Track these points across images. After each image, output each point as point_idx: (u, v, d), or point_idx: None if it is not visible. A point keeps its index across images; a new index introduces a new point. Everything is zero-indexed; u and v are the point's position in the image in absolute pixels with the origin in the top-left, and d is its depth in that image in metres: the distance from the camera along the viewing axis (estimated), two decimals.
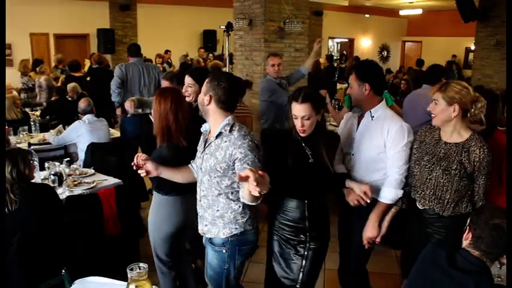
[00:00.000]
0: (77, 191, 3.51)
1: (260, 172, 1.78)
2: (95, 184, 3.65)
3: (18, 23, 10.67)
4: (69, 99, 6.73)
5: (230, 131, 2.27)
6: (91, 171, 4.02)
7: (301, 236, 2.50)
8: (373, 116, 2.67)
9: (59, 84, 8.17)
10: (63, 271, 2.17)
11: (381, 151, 2.62)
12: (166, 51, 11.53)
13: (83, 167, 4.25)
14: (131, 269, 1.98)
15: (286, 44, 5.69)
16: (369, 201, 2.48)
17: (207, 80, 2.34)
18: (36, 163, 3.74)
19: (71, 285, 2.18)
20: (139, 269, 1.99)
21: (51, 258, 2.68)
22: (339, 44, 17.95)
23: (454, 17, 10.79)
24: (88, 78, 8.26)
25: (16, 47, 10.92)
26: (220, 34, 9.72)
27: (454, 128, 2.42)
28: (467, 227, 1.86)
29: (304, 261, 2.51)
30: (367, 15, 16.50)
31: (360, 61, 3.12)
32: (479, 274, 1.74)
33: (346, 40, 17.09)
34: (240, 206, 2.34)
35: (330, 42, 16.93)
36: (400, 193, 2.62)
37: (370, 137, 2.67)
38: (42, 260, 2.67)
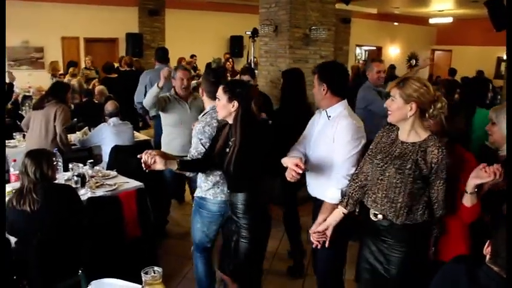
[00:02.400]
0: (99, 192, 3.55)
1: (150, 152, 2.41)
2: (116, 186, 3.69)
3: (50, 28, 10.99)
4: (96, 101, 6.85)
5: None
6: (113, 173, 4.07)
7: (233, 226, 2.70)
8: (329, 116, 2.66)
9: (90, 86, 8.38)
10: (80, 271, 2.19)
11: (332, 150, 2.60)
12: (192, 56, 11.64)
13: (106, 169, 4.31)
14: (146, 273, 1.99)
15: (311, 51, 5.65)
16: (300, 171, 2.37)
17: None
18: (60, 164, 3.82)
19: (87, 286, 2.19)
20: (154, 273, 1.99)
21: (70, 258, 2.72)
22: (366, 52, 17.78)
23: (485, 25, 10.51)
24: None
25: (48, 50, 11.21)
26: (246, 40, 9.74)
27: (411, 127, 2.27)
28: (488, 240, 1.77)
29: (234, 252, 2.68)
30: (395, 23, 16.28)
31: (322, 62, 3.05)
32: (500, 284, 1.66)
33: (374, 48, 16.90)
34: (204, 175, 2.88)
35: (358, 50, 16.78)
36: (338, 192, 2.54)
37: (324, 137, 2.65)
38: (60, 259, 2.70)
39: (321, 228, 2.55)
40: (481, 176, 2.10)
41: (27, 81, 9.81)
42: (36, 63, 11.09)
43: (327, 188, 2.60)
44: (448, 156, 2.20)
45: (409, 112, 2.23)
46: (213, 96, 2.78)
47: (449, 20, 14.23)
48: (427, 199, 2.27)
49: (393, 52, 17.10)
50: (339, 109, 2.66)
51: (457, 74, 11.29)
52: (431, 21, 14.82)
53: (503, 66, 13.97)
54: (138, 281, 2.00)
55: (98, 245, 3.01)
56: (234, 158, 2.54)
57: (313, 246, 2.64)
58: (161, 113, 4.30)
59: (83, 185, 3.64)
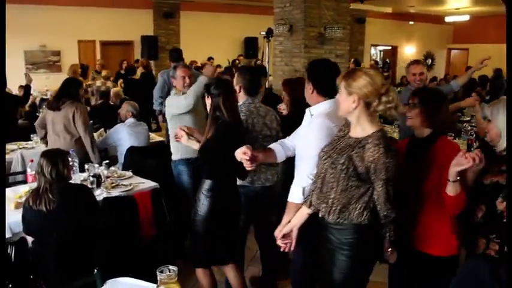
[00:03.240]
0: (114, 193, 3.56)
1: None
2: (132, 187, 3.69)
3: (67, 31, 11.14)
4: (112, 103, 6.89)
5: None
6: (129, 173, 4.08)
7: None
8: (312, 114, 2.60)
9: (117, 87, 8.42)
10: (96, 270, 2.18)
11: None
12: (209, 59, 11.62)
13: (122, 170, 4.32)
14: (161, 271, 1.98)
15: (326, 50, 5.62)
16: (247, 157, 2.40)
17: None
18: (76, 164, 3.84)
19: (102, 285, 2.19)
20: (169, 272, 1.98)
21: (86, 258, 2.72)
22: (381, 52, 17.63)
23: (502, 22, 10.36)
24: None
25: (65, 54, 11.37)
26: (261, 41, 9.74)
27: (356, 120, 2.14)
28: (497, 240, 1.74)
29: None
30: (411, 22, 16.13)
31: (313, 60, 2.91)
32: None
33: (389, 48, 16.76)
34: None
35: (373, 50, 16.67)
36: (299, 191, 2.43)
37: (303, 135, 2.59)
38: (77, 259, 2.71)
39: (286, 230, 2.43)
40: (461, 162, 2.07)
41: (44, 84, 9.96)
42: (53, 67, 11.25)
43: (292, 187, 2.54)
44: (388, 156, 2.01)
45: (351, 105, 2.10)
46: (248, 93, 3.23)
47: (466, 18, 14.03)
48: (367, 199, 2.12)
49: (409, 51, 16.94)
50: (322, 108, 2.58)
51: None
52: (448, 19, 14.64)
53: None
54: (154, 280, 1.99)
55: (113, 245, 3.01)
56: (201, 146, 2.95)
57: (281, 250, 2.52)
58: (175, 119, 4.04)
59: (98, 186, 3.65)
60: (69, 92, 4.54)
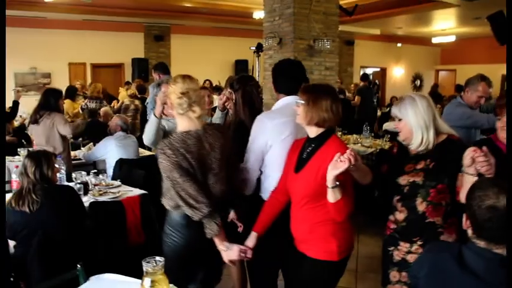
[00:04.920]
0: (102, 199, 3.47)
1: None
2: (120, 194, 3.62)
3: (58, 54, 11.16)
4: (101, 120, 6.85)
5: None
6: (117, 183, 4.00)
7: None
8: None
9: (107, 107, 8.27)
10: (79, 266, 2.09)
11: None
12: (205, 81, 11.49)
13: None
14: (147, 262, 1.90)
15: (316, 62, 5.65)
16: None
17: None
18: (63, 171, 3.76)
19: (85, 281, 2.10)
20: (155, 263, 1.90)
21: (71, 260, 2.62)
22: (371, 75, 17.84)
23: (488, 43, 10.56)
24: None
25: (55, 76, 11.36)
26: (251, 57, 9.68)
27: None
28: (465, 214, 1.64)
29: None
30: (399, 44, 16.37)
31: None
32: (491, 260, 1.53)
33: (379, 69, 16.96)
34: None
35: (362, 72, 16.84)
36: None
37: None
38: (60, 257, 2.61)
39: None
40: (337, 166, 1.95)
41: (34, 106, 9.84)
42: (43, 89, 11.10)
43: None
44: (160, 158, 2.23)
45: None
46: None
47: (452, 38, 14.28)
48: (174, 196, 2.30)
49: (398, 73, 17.15)
50: (277, 105, 2.70)
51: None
52: (434, 40, 14.89)
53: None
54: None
55: (100, 249, 2.91)
56: None
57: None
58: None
59: (85, 193, 3.57)
60: (49, 102, 4.58)
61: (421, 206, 2.22)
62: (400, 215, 2.29)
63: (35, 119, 4.62)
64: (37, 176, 2.75)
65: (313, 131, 2.25)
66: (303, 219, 2.28)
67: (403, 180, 2.26)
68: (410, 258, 2.25)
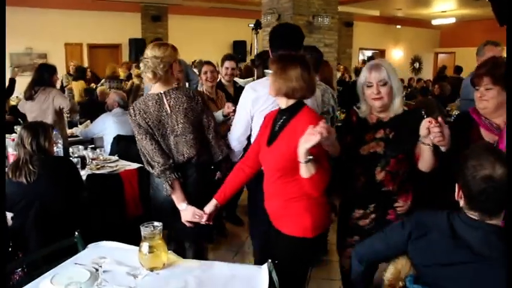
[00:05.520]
0: (100, 173, 3.45)
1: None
2: (118, 168, 3.59)
3: (54, 34, 11.05)
4: (98, 99, 6.80)
5: None
6: (115, 158, 3.97)
7: None
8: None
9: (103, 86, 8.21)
10: (76, 233, 2.08)
11: None
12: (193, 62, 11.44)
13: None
14: (145, 227, 1.89)
15: (315, 39, 5.59)
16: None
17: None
18: (60, 145, 3.73)
19: (83, 248, 2.09)
20: (153, 228, 1.89)
21: (68, 231, 2.60)
22: (369, 59, 17.72)
23: (488, 26, 10.46)
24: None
25: (51, 57, 11.23)
26: (249, 34, 9.50)
27: None
28: (457, 184, 1.58)
29: None
30: (398, 26, 16.26)
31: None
32: (487, 233, 1.48)
33: (377, 51, 16.87)
34: None
35: (360, 56, 16.73)
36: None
37: None
38: (59, 232, 2.59)
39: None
40: (308, 139, 1.86)
41: None
42: None
43: None
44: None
45: None
46: None
47: (452, 20, 14.19)
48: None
49: (397, 55, 17.06)
50: (266, 74, 2.67)
51: (463, 71, 11.19)
52: (434, 22, 14.78)
53: None
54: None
55: (97, 219, 2.90)
56: None
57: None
58: None
59: (83, 167, 3.55)
60: (43, 78, 4.53)
61: (379, 174, 2.24)
62: (357, 184, 2.32)
63: (30, 94, 4.56)
64: (34, 147, 2.72)
65: (283, 102, 2.15)
66: (277, 194, 2.20)
67: (363, 150, 2.27)
68: (362, 223, 2.32)
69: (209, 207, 2.36)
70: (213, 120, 2.59)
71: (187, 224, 2.43)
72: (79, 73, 8.72)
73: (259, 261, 2.29)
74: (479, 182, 1.47)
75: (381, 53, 16.77)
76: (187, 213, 2.41)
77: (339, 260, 2.58)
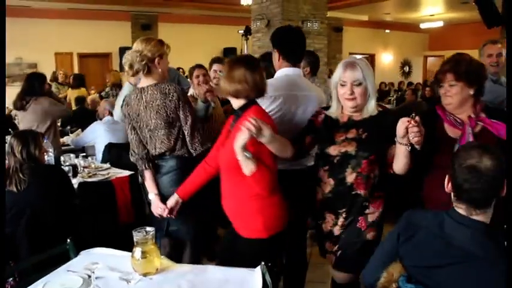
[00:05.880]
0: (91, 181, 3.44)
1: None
2: (109, 175, 3.59)
3: (44, 43, 11.02)
4: (89, 108, 6.78)
5: None
6: (107, 165, 3.97)
7: None
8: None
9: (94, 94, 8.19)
10: (68, 240, 2.07)
11: None
12: (178, 69, 11.40)
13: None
14: (138, 232, 1.89)
15: None
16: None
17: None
18: (51, 154, 3.71)
19: (76, 256, 2.08)
20: (145, 233, 1.89)
21: (60, 239, 2.59)
22: None
23: (475, 29, 10.60)
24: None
25: (41, 66, 11.18)
26: (239, 41, 9.57)
27: None
28: (447, 176, 1.59)
29: None
30: (387, 31, 16.39)
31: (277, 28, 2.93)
32: (474, 230, 1.48)
33: (367, 56, 16.98)
34: None
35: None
36: None
37: None
38: (50, 240, 2.58)
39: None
40: (240, 136, 1.91)
41: None
42: None
43: None
44: None
45: None
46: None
47: (440, 24, 14.33)
48: None
49: (386, 59, 17.18)
50: (280, 72, 2.68)
51: None
52: (423, 26, 14.93)
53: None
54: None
55: (89, 227, 2.89)
56: None
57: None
58: None
59: (75, 175, 3.54)
60: (33, 87, 4.47)
61: (350, 176, 2.16)
62: (327, 187, 2.24)
63: (21, 105, 4.49)
64: (24, 155, 2.71)
65: (235, 103, 2.21)
66: (230, 194, 2.23)
67: (333, 150, 2.19)
68: (337, 231, 2.24)
69: (170, 201, 2.45)
70: (190, 116, 2.54)
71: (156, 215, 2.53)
72: (78, 81, 8.66)
73: (220, 263, 2.28)
74: (464, 171, 1.50)
75: (371, 58, 16.88)
76: (153, 204, 2.53)
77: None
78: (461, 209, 1.53)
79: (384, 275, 1.67)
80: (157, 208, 2.49)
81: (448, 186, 1.59)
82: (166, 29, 12.77)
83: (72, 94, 8.29)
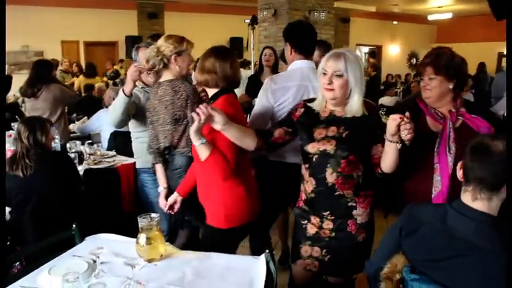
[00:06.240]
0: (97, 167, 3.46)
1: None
2: (115, 163, 3.60)
3: (50, 32, 11.04)
4: (95, 95, 6.80)
5: None
6: (112, 153, 3.98)
7: None
8: None
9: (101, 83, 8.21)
10: (74, 226, 2.09)
11: None
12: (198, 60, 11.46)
13: None
14: (143, 218, 1.90)
15: None
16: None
17: None
18: (57, 141, 3.72)
19: (81, 241, 2.09)
20: (150, 219, 1.90)
21: (65, 225, 2.61)
22: (366, 55, 17.69)
23: (484, 21, 10.51)
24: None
25: (48, 54, 11.18)
26: (245, 30, 9.50)
27: None
28: (460, 163, 1.59)
29: None
30: (395, 22, 16.27)
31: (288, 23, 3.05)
32: (478, 222, 1.47)
33: (374, 47, 16.88)
34: None
35: (357, 52, 16.74)
36: None
37: None
38: (56, 226, 2.59)
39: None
40: (194, 123, 2.01)
41: None
42: None
43: None
44: None
45: None
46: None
47: (449, 15, 14.20)
48: None
49: (393, 51, 17.08)
50: (291, 66, 2.79)
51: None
52: (430, 17, 14.80)
53: (503, 61, 13.90)
54: None
55: (94, 214, 2.91)
56: None
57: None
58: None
59: (80, 162, 3.55)
60: (43, 74, 4.46)
61: (331, 177, 2.05)
62: (309, 186, 2.14)
63: (33, 92, 4.46)
64: (31, 141, 2.72)
65: (209, 92, 2.30)
66: (199, 181, 2.33)
67: (311, 148, 2.09)
68: (323, 234, 2.13)
69: (171, 198, 2.49)
70: None
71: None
72: (91, 70, 8.75)
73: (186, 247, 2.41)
74: (475, 151, 1.52)
75: (378, 49, 16.78)
76: (159, 198, 2.59)
77: (290, 271, 2.41)
78: (467, 193, 1.52)
79: (388, 266, 1.67)
80: (162, 203, 2.56)
81: (459, 173, 1.58)
82: (173, 18, 12.75)
83: (84, 82, 8.34)
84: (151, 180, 3.00)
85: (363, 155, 2.07)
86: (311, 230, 2.17)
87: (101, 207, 3.07)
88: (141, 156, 3.02)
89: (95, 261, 1.80)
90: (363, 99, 2.05)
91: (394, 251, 1.67)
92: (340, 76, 2.00)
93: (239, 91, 3.59)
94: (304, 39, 2.75)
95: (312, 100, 2.19)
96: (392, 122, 1.82)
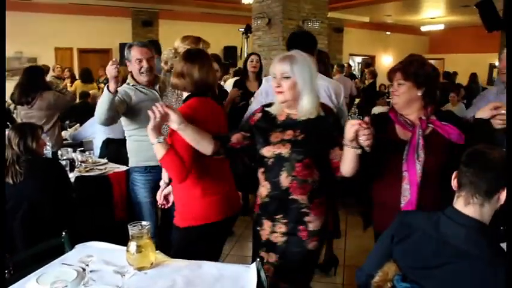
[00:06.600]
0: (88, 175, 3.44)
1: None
2: (107, 170, 3.58)
3: (44, 38, 11.02)
4: (90, 102, 6.77)
5: None
6: (104, 160, 3.95)
7: None
8: None
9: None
10: (64, 233, 2.07)
11: None
12: None
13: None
14: (133, 226, 1.88)
15: None
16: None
17: None
18: (48, 148, 3.69)
19: (71, 249, 2.07)
20: (141, 227, 1.89)
21: (56, 233, 2.59)
22: (359, 64, 17.82)
23: (476, 32, 10.64)
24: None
25: (41, 61, 11.10)
26: (239, 39, 9.60)
27: None
28: (455, 172, 1.60)
29: None
30: (388, 33, 16.41)
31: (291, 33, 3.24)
32: (469, 228, 1.48)
33: (367, 57, 16.99)
34: None
35: (351, 62, 16.83)
36: None
37: None
38: (46, 233, 2.57)
39: None
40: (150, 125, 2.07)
41: None
42: None
43: None
44: None
45: None
46: None
47: (441, 27, 14.35)
48: None
49: (386, 61, 17.18)
50: None
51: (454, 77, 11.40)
52: (423, 28, 14.96)
53: (495, 72, 14.03)
54: None
55: (85, 221, 2.88)
56: None
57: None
58: (123, 118, 3.05)
59: (72, 170, 3.52)
60: (35, 82, 4.40)
61: (285, 180, 2.04)
62: (264, 190, 2.12)
63: (26, 101, 4.38)
64: (21, 148, 2.70)
65: (184, 96, 2.37)
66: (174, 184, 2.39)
67: (267, 151, 2.08)
68: (275, 238, 2.11)
69: (165, 190, 2.56)
70: None
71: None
72: (87, 76, 8.71)
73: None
74: (471, 156, 1.53)
75: (371, 59, 16.90)
76: (158, 191, 2.61)
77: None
78: (460, 198, 1.53)
79: (379, 274, 1.66)
80: (158, 196, 2.59)
81: (454, 182, 1.58)
82: (167, 26, 12.76)
83: (81, 88, 8.31)
84: (142, 179, 3.04)
85: (319, 158, 2.05)
86: (264, 235, 2.15)
87: (93, 214, 3.05)
88: (134, 155, 3.05)
89: (84, 270, 1.78)
90: (316, 100, 2.05)
91: (385, 259, 1.67)
92: (288, 78, 2.00)
93: None
94: (307, 46, 2.78)
95: (271, 105, 2.18)
96: (350, 127, 1.81)
